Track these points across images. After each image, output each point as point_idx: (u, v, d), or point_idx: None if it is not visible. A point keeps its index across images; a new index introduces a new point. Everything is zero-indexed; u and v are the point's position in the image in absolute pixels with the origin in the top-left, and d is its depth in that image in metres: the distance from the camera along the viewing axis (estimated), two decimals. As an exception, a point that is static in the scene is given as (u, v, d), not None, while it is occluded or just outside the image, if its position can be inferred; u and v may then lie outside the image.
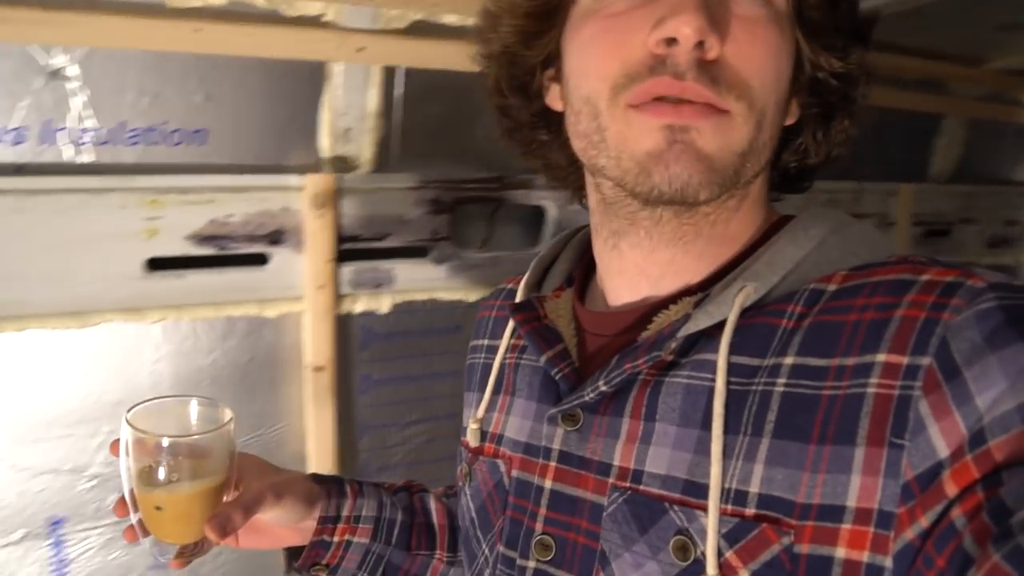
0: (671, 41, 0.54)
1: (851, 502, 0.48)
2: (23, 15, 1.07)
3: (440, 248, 1.45)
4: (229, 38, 1.20)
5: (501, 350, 0.77)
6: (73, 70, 1.15)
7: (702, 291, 0.61)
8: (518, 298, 0.75)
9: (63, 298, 1.18)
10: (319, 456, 1.37)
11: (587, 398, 0.61)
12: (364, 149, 1.38)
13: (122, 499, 0.73)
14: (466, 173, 1.45)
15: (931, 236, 2.04)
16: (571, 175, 0.75)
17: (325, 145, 1.36)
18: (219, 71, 1.25)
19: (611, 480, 0.59)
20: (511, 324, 0.76)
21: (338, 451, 1.39)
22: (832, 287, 0.55)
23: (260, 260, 1.32)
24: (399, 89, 1.38)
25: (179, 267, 1.26)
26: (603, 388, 0.60)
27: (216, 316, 1.31)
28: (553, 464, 0.64)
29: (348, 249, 1.38)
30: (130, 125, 1.21)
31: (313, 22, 1.27)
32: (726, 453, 0.53)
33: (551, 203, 1.54)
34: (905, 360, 0.48)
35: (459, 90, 1.42)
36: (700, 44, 0.53)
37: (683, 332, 0.57)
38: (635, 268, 0.65)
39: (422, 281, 1.46)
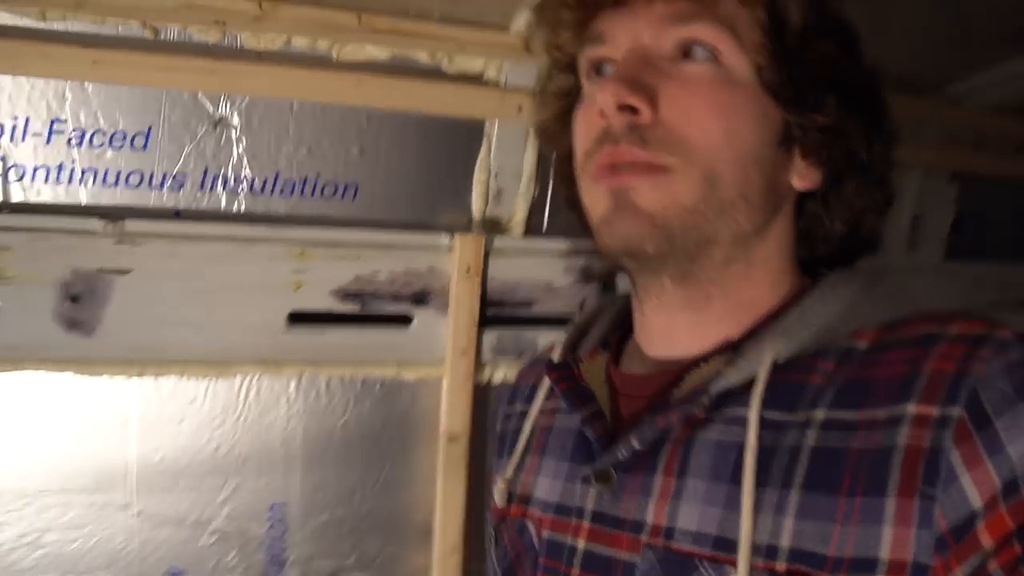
0: (602, 112, 0.60)
1: (884, 554, 0.48)
2: (195, 64, 1.07)
3: (586, 318, 1.37)
4: (389, 92, 1.18)
5: (534, 412, 0.78)
6: (235, 119, 1.15)
7: (732, 351, 0.62)
8: (555, 358, 0.77)
9: (205, 346, 1.16)
10: (446, 529, 1.29)
11: (620, 457, 0.62)
12: (515, 212, 1.33)
13: None
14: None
15: None
16: None
17: (476, 206, 1.31)
18: (376, 125, 1.22)
19: (644, 538, 0.60)
20: (545, 386, 0.79)
21: (466, 525, 1.30)
22: (863, 344, 0.57)
23: (402, 320, 1.27)
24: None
25: (320, 322, 1.22)
26: (636, 446, 0.61)
27: (353, 375, 1.26)
28: (587, 524, 0.65)
29: (493, 315, 1.31)
30: (284, 175, 1.20)
31: (473, 79, 1.24)
32: (756, 507, 0.54)
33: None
34: (935, 411, 0.49)
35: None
36: (631, 110, 0.59)
37: (715, 388, 0.59)
38: (660, 331, 0.69)
39: (565, 352, 1.37)
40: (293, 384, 1.25)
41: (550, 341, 0.86)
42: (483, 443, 1.33)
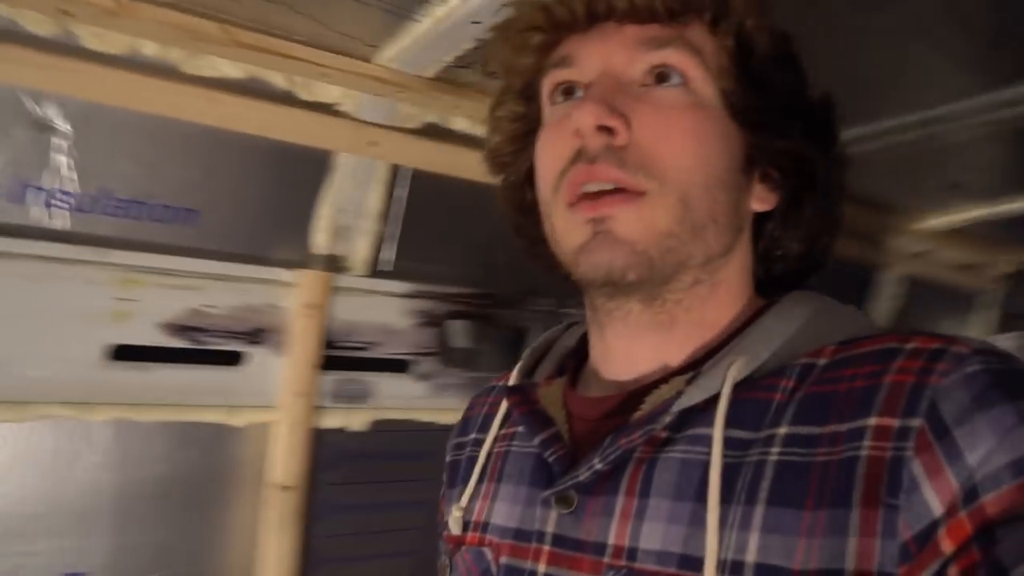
0: (578, 132, 0.60)
1: (850, 564, 0.48)
2: (18, 54, 0.94)
3: (424, 364, 1.34)
4: (242, 113, 1.11)
5: (490, 438, 0.76)
6: (63, 124, 1.02)
7: (692, 370, 0.62)
8: (511, 383, 0.75)
9: (6, 383, 0.99)
10: (273, 592, 1.18)
11: (582, 478, 0.61)
12: (359, 250, 1.28)
13: None
14: (459, 287, 1.37)
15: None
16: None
17: (320, 241, 1.25)
18: (223, 148, 1.14)
19: (606, 560, 0.59)
20: (500, 413, 0.77)
21: (296, 586, 1.20)
22: (822, 360, 0.57)
23: (234, 360, 1.17)
24: (402, 191, 1.31)
25: (144, 359, 1.10)
26: (598, 466, 0.60)
27: (177, 419, 1.13)
28: (547, 548, 0.63)
29: (332, 356, 1.25)
30: (115, 194, 1.07)
31: (328, 109, 1.20)
32: (721, 523, 0.54)
33: (537, 326, 1.47)
34: (896, 423, 0.50)
35: (462, 200, 1.36)
36: (608, 131, 0.59)
37: (677, 406, 0.58)
38: (621, 355, 0.67)
39: (401, 398, 1.34)
40: (106, 429, 1.09)
41: (503, 372, 0.83)
42: (316, 493, 1.25)
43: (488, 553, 0.68)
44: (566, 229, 0.64)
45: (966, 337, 0.54)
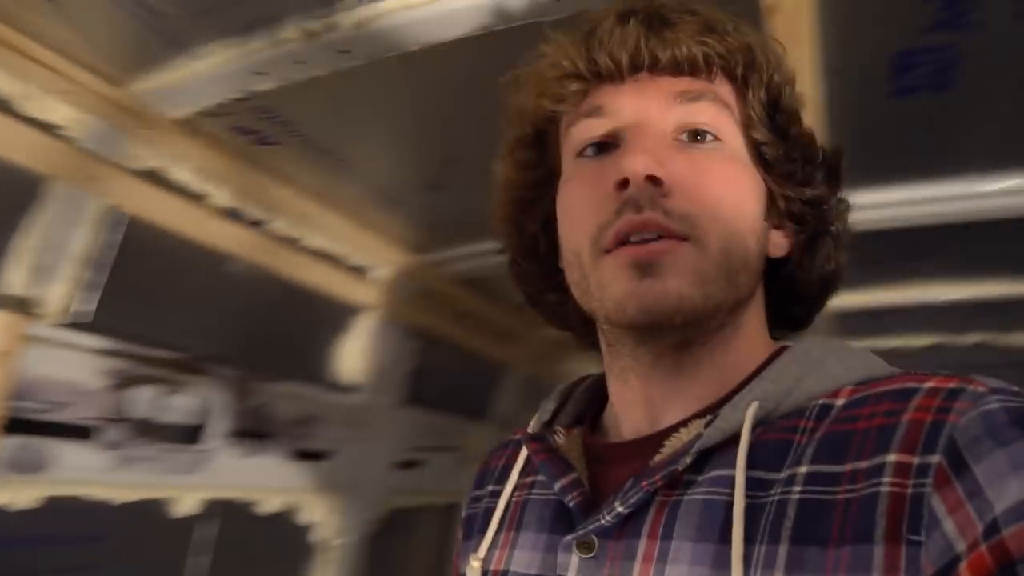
0: (626, 183, 0.61)
1: None
2: None
3: (111, 431, 1.18)
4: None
5: (508, 488, 0.74)
6: None
7: (711, 414, 0.62)
8: (530, 431, 0.74)
9: None
10: None
11: (603, 521, 0.60)
12: (56, 296, 1.11)
13: None
14: (158, 349, 1.25)
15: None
16: (588, 331, 0.77)
17: (13, 280, 1.06)
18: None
19: None
20: (519, 463, 0.75)
21: None
22: (840, 401, 0.58)
23: None
24: (114, 237, 1.18)
25: None
26: (620, 509, 0.60)
27: None
28: None
29: (13, 417, 1.04)
30: None
31: (49, 130, 1.06)
32: (745, 563, 0.53)
33: (223, 400, 1.38)
34: (915, 460, 0.50)
35: (173, 256, 1.26)
36: (653, 181, 0.61)
37: (697, 447, 0.58)
38: (645, 399, 0.68)
39: (82, 470, 1.15)
40: None
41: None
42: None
43: None
44: (606, 277, 0.63)
45: (982, 377, 0.54)
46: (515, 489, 0.74)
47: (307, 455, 1.58)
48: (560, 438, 0.72)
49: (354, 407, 1.71)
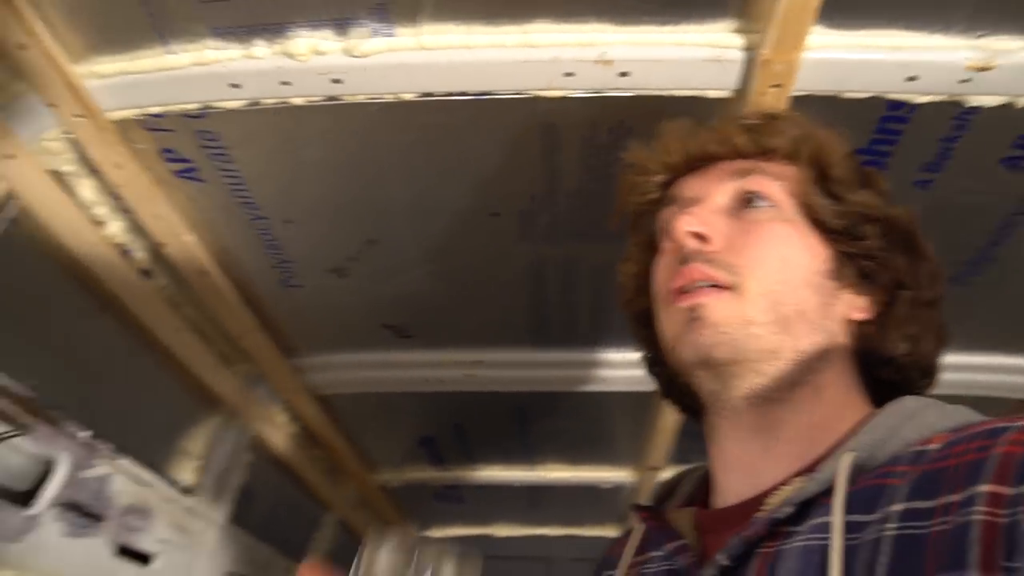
0: (679, 244, 0.74)
1: None
2: None
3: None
4: None
5: (623, 567, 0.80)
6: None
7: (811, 471, 0.65)
8: (642, 504, 0.81)
9: None
10: None
11: (707, 575, 0.64)
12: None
13: None
14: (5, 377, 1.05)
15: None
16: (692, 403, 0.83)
17: None
18: None
19: None
20: (633, 544, 0.81)
21: None
22: (935, 445, 0.60)
23: None
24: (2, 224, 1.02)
25: None
26: (722, 561, 0.63)
27: None
28: None
29: None
30: None
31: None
32: None
33: (67, 458, 1.16)
34: (1008, 491, 0.51)
35: (49, 271, 1.11)
36: (699, 238, 0.72)
37: (795, 499, 0.62)
38: (738, 460, 0.73)
39: None
40: None
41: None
42: None
43: None
44: (669, 323, 0.73)
45: None
46: (629, 566, 0.79)
47: (132, 554, 1.33)
48: (672, 513, 0.77)
49: (187, 511, 1.49)
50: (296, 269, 1.39)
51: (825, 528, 0.59)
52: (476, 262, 1.38)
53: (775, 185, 0.75)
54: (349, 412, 1.85)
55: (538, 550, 2.75)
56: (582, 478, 2.21)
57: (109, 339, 1.25)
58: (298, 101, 1.03)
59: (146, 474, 1.35)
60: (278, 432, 1.72)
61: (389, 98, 1.02)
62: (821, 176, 0.76)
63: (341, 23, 0.95)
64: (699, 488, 0.82)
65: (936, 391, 0.76)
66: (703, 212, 0.74)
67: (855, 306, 0.74)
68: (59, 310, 1.17)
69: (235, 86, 1.00)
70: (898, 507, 0.56)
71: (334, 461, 1.97)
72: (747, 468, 0.71)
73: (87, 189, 1.12)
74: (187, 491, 1.51)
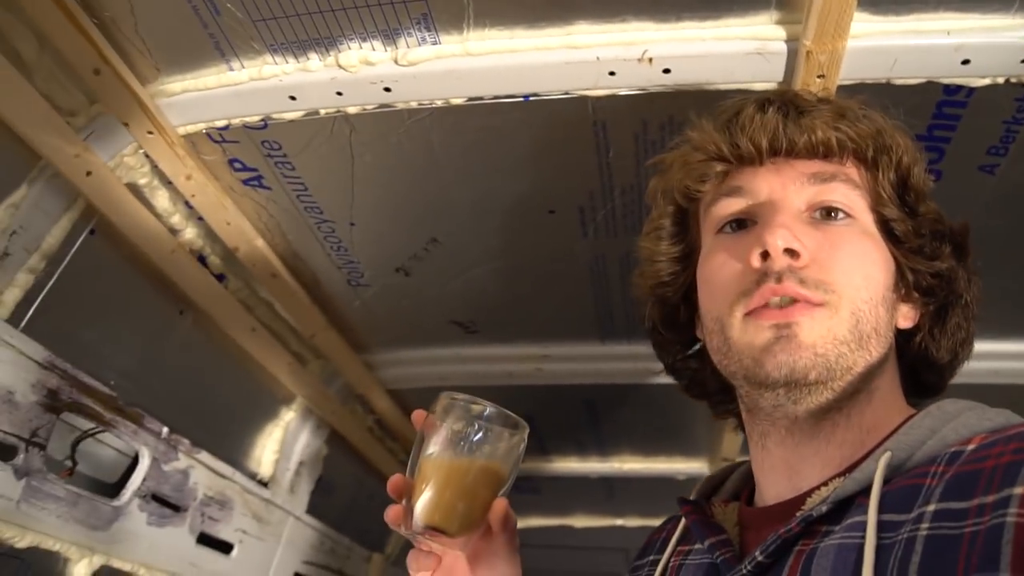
0: (766, 255, 0.68)
1: None
2: None
3: (30, 456, 1.04)
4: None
5: (667, 554, 0.80)
6: None
7: (850, 472, 0.65)
8: (689, 498, 0.79)
9: None
10: None
11: (744, 570, 0.64)
12: (9, 288, 1.01)
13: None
14: (91, 377, 1.13)
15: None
16: (725, 400, 0.84)
17: (-30, 254, 0.96)
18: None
19: None
20: (677, 533, 0.81)
21: None
22: (972, 446, 0.59)
23: None
24: (81, 241, 1.09)
25: None
26: (759, 557, 0.64)
27: None
28: None
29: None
30: None
31: (59, 109, 1.00)
32: None
33: (149, 453, 1.24)
34: None
35: (128, 278, 1.18)
36: (791, 253, 0.68)
37: (833, 497, 0.62)
38: (783, 463, 0.72)
39: (-11, 493, 0.99)
40: None
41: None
42: None
43: None
44: (747, 338, 0.68)
45: None
46: (672, 555, 0.80)
47: (212, 541, 1.41)
48: (716, 508, 0.77)
49: (264, 502, 1.57)
50: (362, 269, 1.44)
51: (860, 527, 0.59)
52: (538, 258, 1.40)
53: (855, 195, 0.72)
54: (423, 405, 1.90)
55: (616, 541, 2.75)
56: (656, 469, 2.20)
57: (188, 339, 1.33)
58: (352, 110, 1.07)
59: (224, 467, 1.42)
60: (354, 426, 1.78)
61: (439, 103, 1.05)
62: (899, 184, 0.74)
63: (389, 34, 0.98)
64: (745, 484, 0.82)
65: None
66: (794, 225, 0.69)
67: (903, 315, 0.75)
68: (139, 313, 1.24)
69: (292, 98, 1.05)
70: (932, 507, 0.56)
71: (407, 454, 2.02)
72: (791, 470, 0.71)
73: (162, 199, 1.19)
74: (264, 483, 1.58)
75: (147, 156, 1.12)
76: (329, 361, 1.63)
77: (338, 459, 1.79)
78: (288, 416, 1.63)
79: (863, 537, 0.58)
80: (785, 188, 0.72)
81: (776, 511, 0.70)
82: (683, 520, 0.81)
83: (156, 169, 1.15)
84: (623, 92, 1.01)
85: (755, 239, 0.69)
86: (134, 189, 1.14)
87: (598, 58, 0.97)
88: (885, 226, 0.73)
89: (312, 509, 1.74)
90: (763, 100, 0.76)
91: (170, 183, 1.17)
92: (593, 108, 1.06)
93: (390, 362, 1.70)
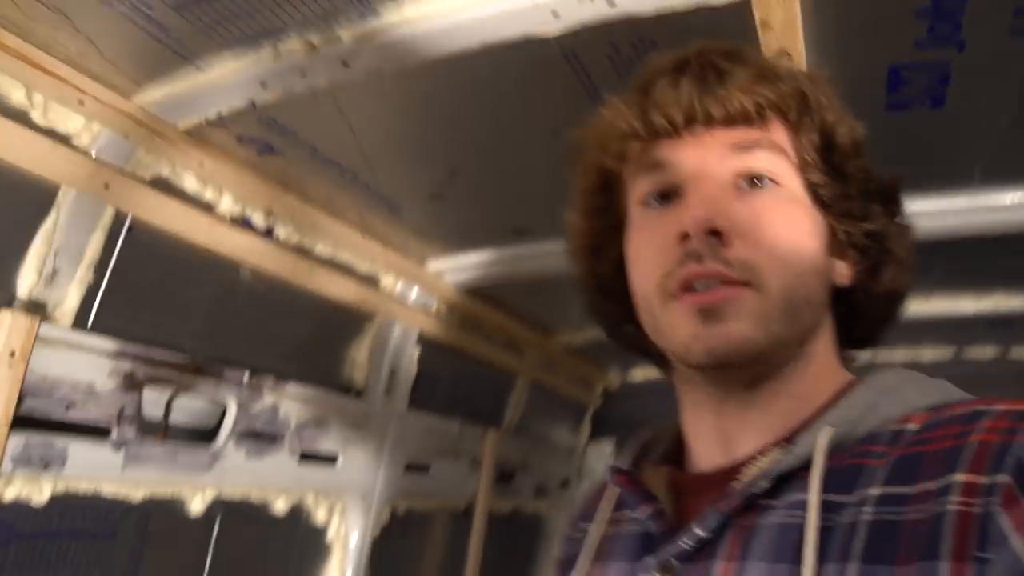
0: (687, 236, 0.65)
1: None
2: None
3: (122, 430, 1.22)
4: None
5: (599, 524, 0.78)
6: None
7: (788, 442, 0.64)
8: (619, 465, 0.77)
9: None
10: None
11: (683, 545, 0.63)
12: (67, 298, 1.15)
13: None
14: (163, 351, 1.29)
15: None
16: (665, 362, 0.80)
17: (24, 282, 1.10)
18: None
19: None
20: (609, 500, 0.80)
21: None
22: (912, 426, 0.59)
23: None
24: (121, 240, 1.21)
25: None
26: (699, 533, 0.62)
27: None
28: None
29: (24, 415, 1.08)
30: None
31: (63, 140, 1.09)
32: None
33: (234, 400, 1.42)
34: (984, 480, 0.51)
35: (177, 261, 1.30)
36: (714, 233, 0.64)
37: (772, 472, 0.61)
38: (718, 431, 0.71)
39: (95, 467, 1.19)
40: None
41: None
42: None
43: None
44: (673, 321, 0.66)
45: None
46: (606, 524, 0.78)
47: (314, 457, 1.61)
48: (647, 473, 0.75)
49: (361, 411, 1.74)
50: (399, 200, 1.50)
51: (802, 506, 0.59)
52: (549, 174, 1.40)
53: (780, 161, 0.68)
54: (506, 297, 1.99)
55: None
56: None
57: (251, 291, 1.45)
58: (321, 83, 1.09)
59: (313, 391, 1.59)
60: (442, 324, 1.90)
61: (394, 68, 1.05)
62: (826, 144, 0.70)
63: (329, 17, 0.99)
64: (673, 446, 0.81)
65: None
66: (717, 200, 0.65)
67: (839, 274, 0.72)
68: (198, 283, 1.37)
69: (263, 84, 1.09)
70: (875, 491, 0.56)
71: (507, 337, 2.14)
72: (724, 437, 0.70)
73: (190, 181, 1.28)
74: (359, 393, 1.75)
75: (156, 154, 1.20)
76: (400, 273, 1.73)
77: (432, 355, 1.92)
78: (371, 331, 1.76)
79: (804, 517, 0.58)
80: (706, 160, 0.68)
81: (712, 479, 0.69)
82: (615, 487, 0.79)
83: (171, 161, 1.23)
84: (575, 27, 0.97)
85: (676, 216, 0.66)
86: (160, 181, 1.24)
87: (536, 4, 0.93)
88: (813, 191, 0.69)
89: (414, 404, 1.90)
90: (678, 64, 0.70)
91: (189, 169, 1.26)
92: (558, 44, 1.02)
93: (454, 268, 1.78)
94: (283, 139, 1.26)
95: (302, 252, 1.51)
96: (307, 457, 1.58)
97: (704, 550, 0.63)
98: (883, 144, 1.18)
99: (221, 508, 1.42)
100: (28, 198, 1.09)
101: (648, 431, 0.84)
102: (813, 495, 0.58)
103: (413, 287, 1.79)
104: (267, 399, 1.48)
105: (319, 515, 1.66)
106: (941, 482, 0.53)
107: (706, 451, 0.72)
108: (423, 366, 1.90)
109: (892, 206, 0.74)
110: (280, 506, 1.55)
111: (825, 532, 0.56)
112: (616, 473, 0.75)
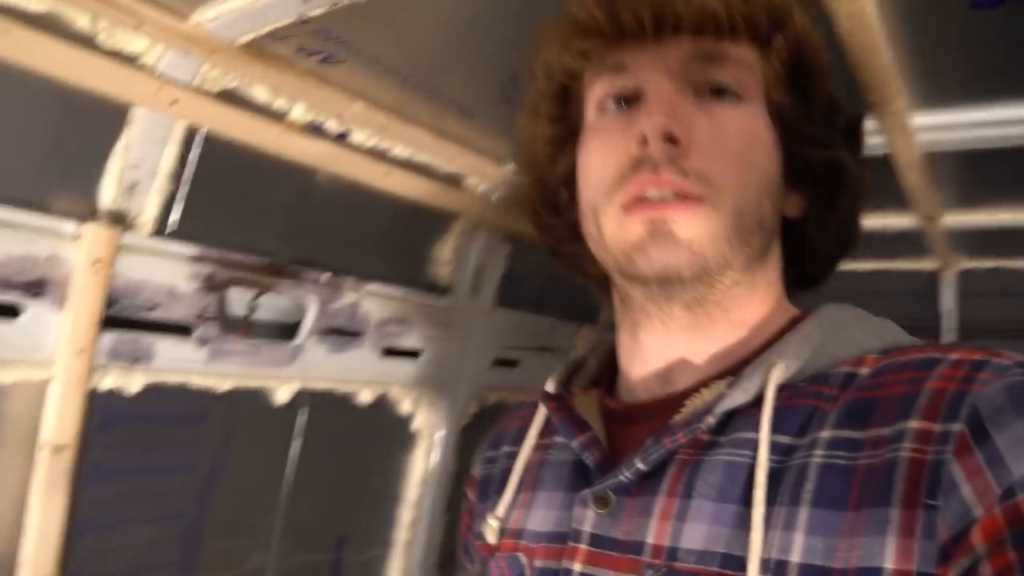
0: (645, 141, 0.63)
1: (888, 563, 0.49)
2: None
3: (204, 328, 1.33)
4: (37, 49, 1.04)
5: (526, 449, 0.77)
6: None
7: (731, 375, 0.64)
8: (549, 389, 0.77)
9: None
10: (38, 560, 1.12)
11: (623, 478, 0.62)
12: (147, 208, 1.25)
13: None
14: (242, 254, 1.37)
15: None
16: (605, 286, 0.80)
17: (107, 195, 1.20)
18: (8, 84, 1.06)
19: (645, 559, 0.59)
20: (536, 424, 0.78)
21: (63, 553, 1.15)
22: (865, 369, 0.59)
23: (7, 312, 1.09)
24: (194, 153, 1.29)
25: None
26: (640, 466, 0.61)
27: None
28: (583, 547, 0.63)
29: (112, 316, 1.20)
30: None
31: (129, 61, 1.16)
32: (766, 524, 0.54)
33: (314, 299, 1.51)
34: (937, 427, 0.51)
35: (250, 168, 1.36)
36: (671, 141, 0.62)
37: (721, 408, 0.60)
38: (657, 357, 0.69)
39: (181, 362, 1.31)
40: None
41: (535, 390, 0.79)
42: (91, 456, 1.20)
43: (522, 558, 0.68)
44: (619, 230, 0.65)
45: (1008, 352, 0.56)
46: (533, 450, 0.77)
47: (399, 352, 1.69)
48: (577, 398, 0.75)
49: (446, 308, 1.81)
50: (469, 104, 1.49)
51: (750, 445, 0.58)
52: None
53: (745, 76, 0.66)
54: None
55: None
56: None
57: (328, 193, 1.50)
58: (362, -3, 1.09)
59: (395, 290, 1.65)
60: (524, 223, 1.90)
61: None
62: (792, 66, 0.67)
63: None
64: (605, 369, 0.79)
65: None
66: (677, 107, 0.63)
67: (791, 204, 0.72)
68: (273, 188, 1.44)
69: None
70: (826, 434, 0.56)
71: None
72: (664, 365, 0.69)
73: (259, 92, 1.33)
74: (444, 292, 1.81)
75: (221, 69, 1.25)
76: (481, 177, 1.74)
77: (522, 252, 1.94)
78: (456, 229, 1.79)
79: (753, 456, 0.57)
80: (670, 65, 0.66)
81: (649, 409, 0.68)
82: (542, 409, 0.78)
83: (237, 75, 1.28)
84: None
85: (635, 121, 0.64)
86: (227, 94, 1.29)
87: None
88: (776, 111, 0.68)
89: (503, 301, 1.94)
90: None
91: (254, 81, 1.30)
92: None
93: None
94: (341, 48, 1.27)
95: (377, 155, 1.54)
96: (391, 352, 1.67)
97: (644, 484, 0.62)
98: (969, 48, 1.07)
99: (307, 398, 1.54)
100: (103, 118, 1.17)
101: (578, 354, 0.83)
102: (764, 434, 0.57)
103: (496, 187, 1.80)
104: (347, 297, 1.56)
105: (404, 406, 1.76)
106: (894, 428, 0.53)
107: (643, 379, 0.71)
108: (513, 263, 1.93)
109: (853, 140, 0.72)
110: (365, 397, 1.65)
111: (774, 474, 0.56)
112: (549, 399, 0.75)
